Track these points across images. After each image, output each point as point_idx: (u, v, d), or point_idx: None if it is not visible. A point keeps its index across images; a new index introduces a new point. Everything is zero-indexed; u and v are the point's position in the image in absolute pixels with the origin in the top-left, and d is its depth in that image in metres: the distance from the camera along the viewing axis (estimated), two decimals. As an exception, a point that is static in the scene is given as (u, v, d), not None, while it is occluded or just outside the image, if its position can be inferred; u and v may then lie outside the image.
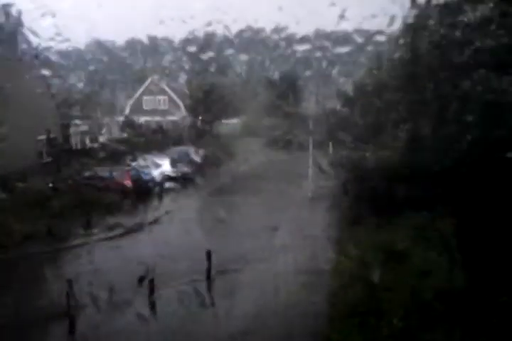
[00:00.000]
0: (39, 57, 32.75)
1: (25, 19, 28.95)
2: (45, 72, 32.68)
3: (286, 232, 19.60)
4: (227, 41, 68.05)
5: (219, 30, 65.95)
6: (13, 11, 27.76)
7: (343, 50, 59.83)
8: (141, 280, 13.85)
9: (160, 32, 75.36)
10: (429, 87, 13.69)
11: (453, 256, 10.69)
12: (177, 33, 77.99)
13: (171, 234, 20.13)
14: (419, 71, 13.96)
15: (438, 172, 12.55)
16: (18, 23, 28.18)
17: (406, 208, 14.03)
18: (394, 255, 11.93)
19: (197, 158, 35.22)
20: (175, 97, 52.06)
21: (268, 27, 67.84)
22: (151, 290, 13.63)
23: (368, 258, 12.25)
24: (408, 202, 13.97)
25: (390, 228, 13.86)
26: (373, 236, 14.00)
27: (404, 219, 13.93)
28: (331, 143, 36.56)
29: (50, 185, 23.45)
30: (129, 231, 20.46)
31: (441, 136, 13.74)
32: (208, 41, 65.98)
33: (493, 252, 10.47)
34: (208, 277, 14.89)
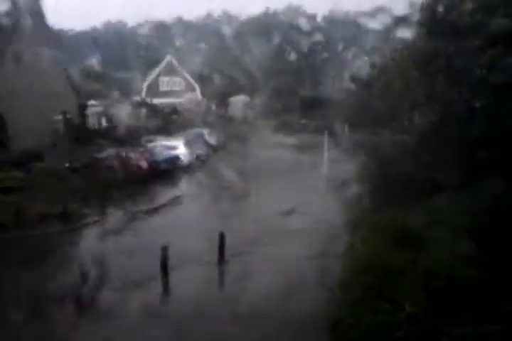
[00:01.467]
0: (55, 37, 32.89)
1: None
2: (62, 52, 32.82)
3: (300, 217, 19.60)
4: (242, 23, 67.66)
5: (234, 12, 65.77)
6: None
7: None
8: None
9: (174, 13, 74.84)
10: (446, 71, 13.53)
11: (470, 242, 10.62)
12: (193, 14, 77.55)
13: (187, 215, 20.21)
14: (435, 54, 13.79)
15: (456, 157, 12.46)
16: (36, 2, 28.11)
17: (424, 192, 13.92)
18: (409, 240, 11.88)
19: (212, 141, 35.27)
20: (191, 79, 51.89)
21: (281, 7, 66.95)
22: (165, 272, 13.76)
23: (383, 242, 12.22)
24: (427, 186, 13.86)
25: (407, 212, 13.77)
26: (389, 220, 13.93)
27: (422, 204, 13.83)
28: (347, 127, 36.41)
29: (67, 165, 23.69)
30: (145, 211, 20.61)
31: (458, 121, 13.60)
32: (222, 23, 65.72)
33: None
34: (221, 259, 14.94)
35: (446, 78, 13.45)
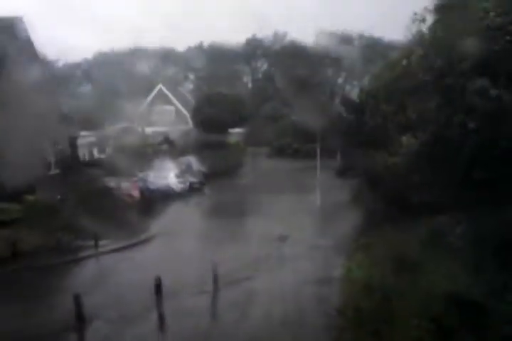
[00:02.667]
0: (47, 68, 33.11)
1: (34, 30, 29.07)
2: (54, 83, 33.00)
3: (295, 241, 19.46)
4: (233, 50, 68.53)
5: (225, 39, 66.67)
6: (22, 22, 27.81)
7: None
8: None
9: (165, 41, 75.85)
10: (438, 93, 13.64)
11: (468, 264, 10.53)
12: (183, 43, 78.67)
13: (179, 244, 20.02)
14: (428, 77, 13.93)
15: (450, 178, 12.44)
16: (26, 33, 28.33)
17: (419, 214, 13.87)
18: (406, 263, 11.78)
19: (204, 168, 35.26)
20: (181, 107, 52.21)
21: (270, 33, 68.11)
22: (159, 302, 13.51)
23: (380, 266, 12.11)
24: (421, 208, 13.81)
25: (403, 235, 13.70)
26: (385, 243, 13.84)
27: (418, 226, 13.78)
28: (339, 151, 36.53)
29: (59, 197, 23.53)
30: (138, 242, 20.41)
31: (448, 143, 13.63)
32: (213, 50, 66.52)
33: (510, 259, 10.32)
34: (215, 288, 14.72)
35: (438, 99, 13.52)
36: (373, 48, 54.86)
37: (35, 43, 29.51)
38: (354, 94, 45.56)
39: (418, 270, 11.24)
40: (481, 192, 11.69)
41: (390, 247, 13.18)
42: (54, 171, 29.59)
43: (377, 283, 11.51)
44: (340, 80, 65.72)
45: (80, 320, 12.21)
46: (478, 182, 11.75)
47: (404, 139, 16.59)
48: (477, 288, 9.87)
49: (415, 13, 16.09)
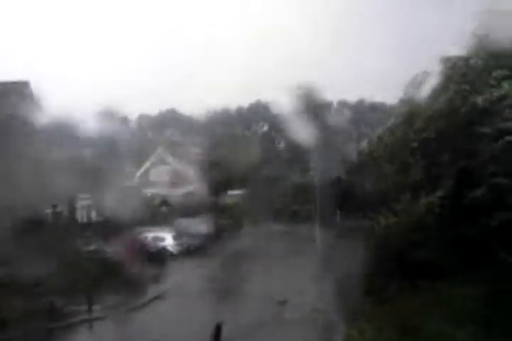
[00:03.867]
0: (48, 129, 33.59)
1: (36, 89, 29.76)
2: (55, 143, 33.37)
3: (294, 306, 18.82)
4: (233, 114, 69.89)
5: (225, 104, 68.14)
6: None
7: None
8: None
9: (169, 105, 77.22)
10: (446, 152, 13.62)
11: (476, 330, 10.01)
12: (187, 107, 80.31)
13: (176, 310, 19.33)
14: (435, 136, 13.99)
15: (456, 238, 12.14)
16: (31, 95, 28.97)
17: (423, 276, 13.42)
18: (409, 329, 11.22)
19: (203, 230, 34.85)
20: (181, 169, 52.35)
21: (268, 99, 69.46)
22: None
23: (382, 332, 11.54)
24: (425, 270, 13.39)
25: (406, 298, 13.18)
26: (387, 307, 13.30)
27: (421, 289, 13.29)
28: (338, 213, 36.18)
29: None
30: (132, 308, 19.71)
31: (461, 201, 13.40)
32: (215, 115, 67.71)
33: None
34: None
35: (450, 160, 13.48)
36: (371, 113, 56.15)
37: (40, 106, 30.11)
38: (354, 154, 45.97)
39: (423, 336, 10.70)
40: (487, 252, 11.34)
41: (393, 311, 12.64)
42: (49, 234, 29.13)
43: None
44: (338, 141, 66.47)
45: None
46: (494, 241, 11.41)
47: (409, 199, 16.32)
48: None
49: (417, 75, 16.41)
